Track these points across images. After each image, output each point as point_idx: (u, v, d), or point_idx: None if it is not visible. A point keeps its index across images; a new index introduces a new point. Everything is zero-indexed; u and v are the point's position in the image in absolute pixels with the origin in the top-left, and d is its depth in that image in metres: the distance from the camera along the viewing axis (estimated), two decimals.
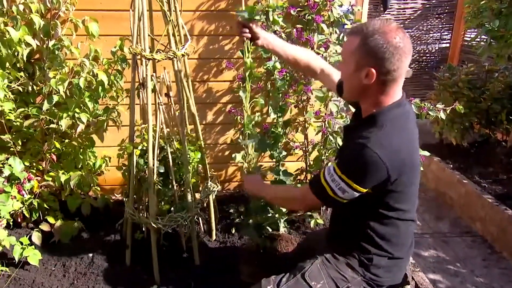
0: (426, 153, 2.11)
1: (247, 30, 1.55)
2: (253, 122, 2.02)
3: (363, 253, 1.28)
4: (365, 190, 1.15)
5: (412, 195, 1.27)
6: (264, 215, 2.07)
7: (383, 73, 1.11)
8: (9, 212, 1.82)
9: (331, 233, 1.47)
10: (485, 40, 2.88)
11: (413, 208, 1.30)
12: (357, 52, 1.12)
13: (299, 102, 2.35)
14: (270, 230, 2.12)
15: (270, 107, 2.19)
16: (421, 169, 1.98)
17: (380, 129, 1.14)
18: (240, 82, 2.13)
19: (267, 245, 1.96)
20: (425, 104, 2.01)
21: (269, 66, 2.10)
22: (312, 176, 1.19)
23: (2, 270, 1.83)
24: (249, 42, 1.61)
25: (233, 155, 2.28)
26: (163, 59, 1.77)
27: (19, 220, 2.12)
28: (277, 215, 2.16)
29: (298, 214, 2.41)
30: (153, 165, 1.86)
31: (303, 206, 1.46)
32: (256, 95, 2.26)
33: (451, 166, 3.08)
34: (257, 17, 2.16)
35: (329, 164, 1.27)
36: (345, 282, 1.27)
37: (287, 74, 2.20)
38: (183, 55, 1.83)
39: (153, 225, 1.83)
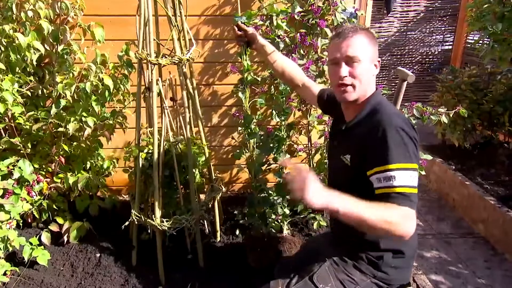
0: (429, 157, 2.13)
1: (243, 34, 1.68)
2: (254, 121, 2.07)
3: (372, 250, 1.29)
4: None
5: None
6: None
7: (379, 62, 1.31)
8: (19, 213, 1.86)
9: (337, 234, 1.47)
10: (487, 43, 2.89)
11: None
12: (369, 47, 1.26)
13: (302, 106, 2.37)
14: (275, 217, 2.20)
15: (273, 110, 2.21)
16: (423, 173, 2.02)
17: (386, 108, 1.24)
18: (239, 85, 2.16)
19: (270, 233, 2.11)
20: (427, 108, 2.02)
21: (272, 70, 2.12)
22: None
23: (12, 270, 1.87)
24: (246, 45, 1.72)
25: (235, 154, 2.24)
26: (168, 64, 1.79)
27: (29, 221, 2.17)
28: (280, 217, 2.19)
29: (301, 216, 2.44)
30: (159, 168, 1.89)
31: (403, 231, 1.05)
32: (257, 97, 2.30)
33: (454, 167, 3.09)
34: (260, 22, 2.19)
35: (374, 175, 1.12)
36: (353, 284, 1.28)
37: None
38: (187, 60, 1.85)
39: (158, 227, 1.87)
